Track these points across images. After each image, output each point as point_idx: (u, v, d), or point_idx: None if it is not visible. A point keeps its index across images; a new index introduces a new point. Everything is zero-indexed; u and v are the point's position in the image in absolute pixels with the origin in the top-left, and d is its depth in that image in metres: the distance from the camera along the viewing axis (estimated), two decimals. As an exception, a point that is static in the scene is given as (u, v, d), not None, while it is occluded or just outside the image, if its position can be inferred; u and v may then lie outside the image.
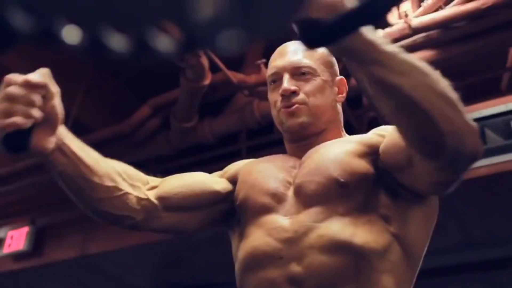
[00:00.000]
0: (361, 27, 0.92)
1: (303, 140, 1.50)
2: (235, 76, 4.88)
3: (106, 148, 6.04)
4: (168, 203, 1.44)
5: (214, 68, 4.82)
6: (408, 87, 1.03)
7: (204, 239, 5.09)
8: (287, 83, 1.46)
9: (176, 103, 5.20)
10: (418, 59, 1.08)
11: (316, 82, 1.49)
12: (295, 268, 1.27)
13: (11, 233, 6.17)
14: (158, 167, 6.04)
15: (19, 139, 1.07)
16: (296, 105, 1.45)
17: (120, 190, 1.34)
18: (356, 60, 1.03)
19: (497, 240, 4.89)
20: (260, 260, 1.32)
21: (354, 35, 0.94)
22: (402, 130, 1.15)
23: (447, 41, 4.25)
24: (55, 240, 6.01)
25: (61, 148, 1.21)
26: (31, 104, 1.05)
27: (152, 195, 1.42)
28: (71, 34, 0.49)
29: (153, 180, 1.47)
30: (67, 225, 6.00)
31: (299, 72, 1.48)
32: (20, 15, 0.44)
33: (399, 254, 1.29)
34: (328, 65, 1.54)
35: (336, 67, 1.57)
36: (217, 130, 5.31)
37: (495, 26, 4.12)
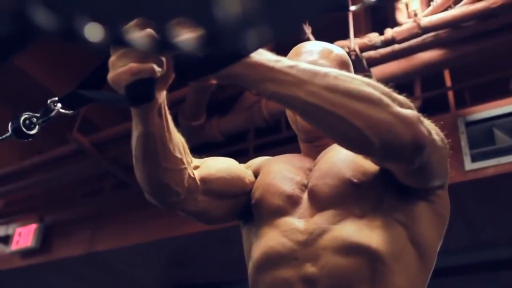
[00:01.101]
0: (230, 63, 0.93)
1: (317, 140, 1.51)
2: (243, 75, 4.87)
3: (114, 146, 6.02)
4: (209, 187, 1.42)
5: (222, 67, 4.82)
6: (306, 94, 1.04)
7: (211, 238, 5.10)
8: None
9: (184, 101, 5.20)
10: (322, 65, 1.08)
11: None
12: (310, 268, 1.27)
13: (19, 230, 6.20)
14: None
15: (144, 88, 1.02)
16: None
17: (183, 164, 1.31)
18: (244, 83, 1.04)
19: (505, 240, 4.87)
20: (274, 260, 1.33)
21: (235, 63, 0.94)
22: (326, 136, 1.16)
23: (456, 40, 4.23)
24: (62, 237, 6.03)
25: (160, 108, 1.18)
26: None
27: (197, 175, 1.39)
28: (93, 32, 0.49)
29: (195, 159, 1.43)
30: (74, 222, 6.02)
31: None
32: (43, 13, 0.44)
33: (413, 256, 1.29)
34: (344, 66, 1.54)
35: (351, 67, 1.58)
36: (225, 128, 5.30)
37: (505, 26, 4.09)
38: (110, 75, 1.02)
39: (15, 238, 6.15)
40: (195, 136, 5.44)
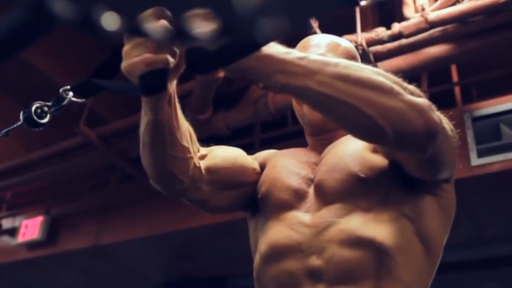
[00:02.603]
0: (244, 56, 0.94)
1: (324, 133, 1.51)
2: (249, 69, 4.86)
3: (120, 139, 6.03)
4: (213, 177, 1.43)
5: (229, 61, 4.81)
6: (317, 85, 1.04)
7: (216, 231, 5.11)
8: None
9: (190, 95, 5.20)
10: (331, 56, 1.08)
11: None
12: (315, 261, 1.27)
13: (25, 222, 6.23)
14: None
15: (157, 79, 1.04)
16: None
17: (190, 152, 1.33)
18: (255, 76, 1.05)
19: (510, 236, 4.86)
20: (280, 252, 1.33)
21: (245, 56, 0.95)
22: (338, 124, 1.16)
23: (463, 35, 4.21)
24: (69, 230, 6.06)
25: (170, 97, 1.20)
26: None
27: (202, 165, 1.40)
28: (110, 21, 0.49)
29: (202, 148, 1.45)
30: (81, 215, 6.04)
31: None
32: (60, 2, 0.44)
33: (419, 250, 1.29)
34: (352, 59, 1.53)
35: (359, 61, 1.57)
36: (231, 122, 5.30)
37: (512, 21, 4.08)
38: (124, 65, 1.02)
39: (22, 230, 6.18)
40: (201, 130, 5.43)
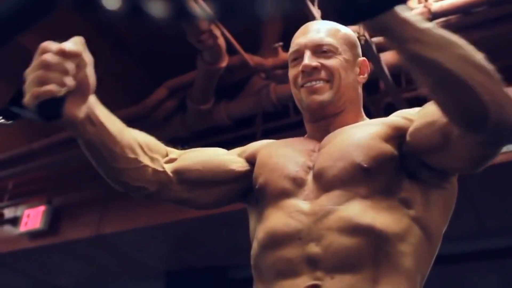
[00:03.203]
0: (394, 6, 0.96)
1: (322, 119, 1.50)
2: (252, 59, 4.85)
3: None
4: (184, 178, 1.48)
5: (231, 51, 4.81)
6: (445, 60, 1.04)
7: (217, 221, 5.11)
8: (308, 59, 1.46)
9: (192, 85, 5.19)
10: (452, 34, 1.08)
11: (337, 60, 1.48)
12: (313, 248, 1.27)
13: (27, 211, 6.23)
14: (174, 148, 6.04)
15: (52, 107, 1.07)
16: (317, 83, 1.45)
17: (140, 162, 1.38)
18: (392, 38, 1.05)
19: (511, 228, 4.86)
20: (278, 240, 1.33)
21: (388, 13, 0.97)
22: (444, 105, 1.14)
23: (467, 26, 4.19)
24: (71, 219, 6.06)
25: (90, 118, 1.21)
26: (65, 72, 1.04)
27: (169, 168, 1.46)
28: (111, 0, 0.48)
29: (173, 152, 1.52)
30: (83, 204, 6.05)
31: (320, 50, 1.48)
32: None
33: (418, 237, 1.29)
34: (351, 46, 1.54)
35: (359, 49, 1.57)
36: (233, 112, 5.30)
37: (516, 12, 4.06)
38: (25, 100, 1.05)
39: (24, 219, 6.19)
40: (203, 120, 5.44)
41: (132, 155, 1.35)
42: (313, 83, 1.45)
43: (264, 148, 1.56)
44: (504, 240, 4.94)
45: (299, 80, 1.48)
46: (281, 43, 4.84)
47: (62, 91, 1.05)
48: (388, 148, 1.33)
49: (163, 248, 6.14)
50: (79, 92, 1.11)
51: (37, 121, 1.09)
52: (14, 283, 7.33)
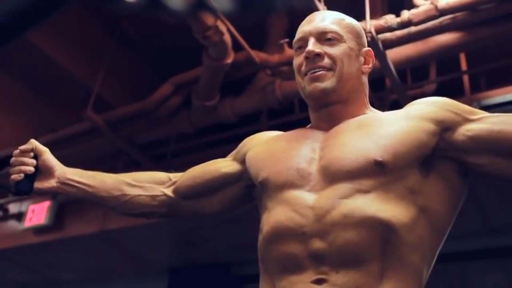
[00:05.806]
0: None
1: (324, 107, 1.48)
2: (257, 55, 4.85)
3: (127, 125, 6.03)
4: (186, 194, 1.67)
5: (237, 47, 4.80)
6: None
7: (221, 218, 5.11)
8: (312, 45, 1.46)
9: (198, 81, 5.19)
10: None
11: (341, 48, 1.48)
12: (317, 244, 1.26)
13: (32, 207, 6.24)
14: (179, 144, 6.05)
15: (25, 186, 1.58)
16: (321, 71, 1.44)
17: (127, 195, 1.68)
18: None
19: (517, 227, 4.85)
20: (282, 234, 1.32)
21: None
22: None
23: (473, 23, 4.17)
24: (75, 215, 6.07)
25: (66, 183, 1.65)
26: (23, 163, 1.59)
27: (169, 191, 1.70)
28: None
29: (176, 176, 1.73)
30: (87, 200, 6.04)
31: (325, 37, 1.48)
32: None
33: (425, 228, 1.29)
34: (355, 35, 1.53)
35: (364, 39, 1.56)
36: (238, 109, 5.29)
37: (523, 10, 4.04)
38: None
39: (29, 215, 6.20)
40: (208, 116, 5.44)
41: (118, 193, 1.68)
42: (316, 70, 1.45)
43: (262, 145, 1.57)
44: (509, 238, 4.93)
45: (303, 68, 1.47)
46: (287, 40, 4.83)
47: (21, 175, 1.57)
48: (418, 146, 1.32)
49: (168, 244, 6.15)
50: (44, 171, 1.63)
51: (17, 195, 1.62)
52: (18, 278, 7.35)
